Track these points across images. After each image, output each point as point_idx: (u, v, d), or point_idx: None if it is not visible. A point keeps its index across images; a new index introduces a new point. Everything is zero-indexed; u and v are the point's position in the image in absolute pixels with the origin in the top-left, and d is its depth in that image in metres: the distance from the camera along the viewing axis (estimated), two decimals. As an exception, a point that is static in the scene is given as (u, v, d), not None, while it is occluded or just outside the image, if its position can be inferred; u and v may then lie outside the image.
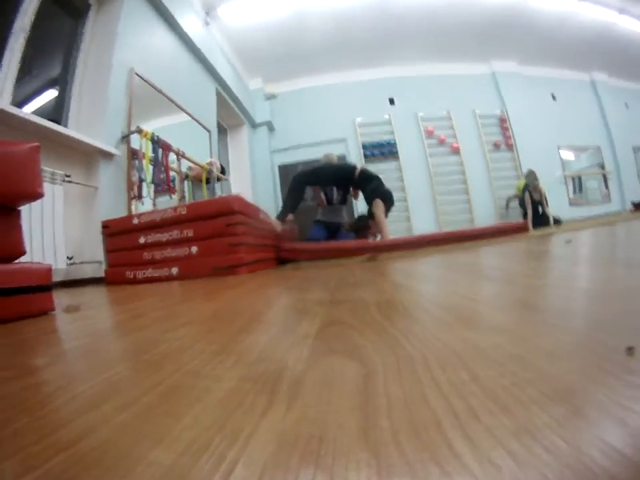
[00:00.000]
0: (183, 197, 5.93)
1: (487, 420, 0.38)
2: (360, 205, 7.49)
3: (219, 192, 6.82)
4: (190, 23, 7.36)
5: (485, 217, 11.03)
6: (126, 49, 5.16)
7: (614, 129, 13.29)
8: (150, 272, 3.83)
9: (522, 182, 10.04)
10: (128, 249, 4.06)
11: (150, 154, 4.93)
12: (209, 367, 0.68)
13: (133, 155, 4.86)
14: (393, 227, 9.65)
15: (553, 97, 13.33)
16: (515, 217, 10.19)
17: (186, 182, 6.21)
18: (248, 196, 5.74)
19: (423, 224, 10.65)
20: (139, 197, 4.78)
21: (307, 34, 10.14)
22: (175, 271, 3.73)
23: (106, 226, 4.14)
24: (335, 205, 6.78)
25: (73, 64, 4.84)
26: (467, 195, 11.38)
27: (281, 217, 6.14)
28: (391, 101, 12.10)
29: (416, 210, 11.11)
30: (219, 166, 6.95)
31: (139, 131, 4.80)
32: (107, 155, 4.54)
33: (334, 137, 11.19)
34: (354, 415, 0.43)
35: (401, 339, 0.73)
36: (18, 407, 0.58)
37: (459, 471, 0.31)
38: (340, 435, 0.39)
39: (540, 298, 1.08)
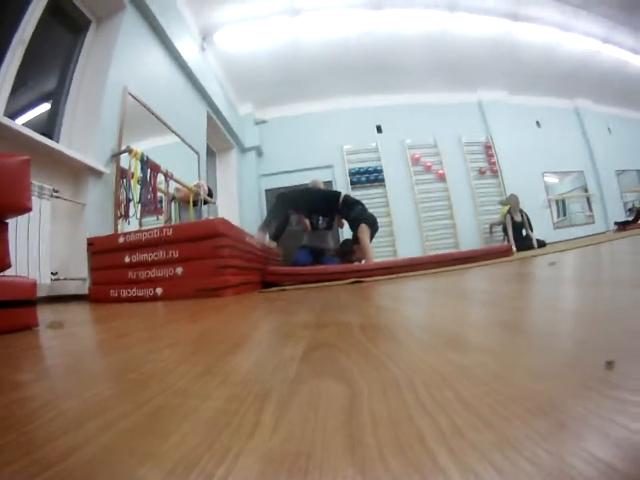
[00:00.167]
0: (169, 218, 5.92)
1: (471, 435, 0.39)
2: (346, 231, 7.51)
3: (205, 214, 6.80)
4: (186, 47, 7.45)
5: (469, 242, 11.11)
6: (121, 68, 5.19)
7: (597, 153, 13.59)
8: (134, 291, 3.81)
9: (505, 208, 10.12)
10: (113, 268, 4.02)
11: (139, 174, 4.92)
12: (195, 387, 0.68)
13: (122, 174, 4.84)
14: (378, 251, 9.75)
15: (538, 124, 13.57)
16: (499, 242, 10.26)
17: (173, 203, 6.21)
18: (234, 219, 5.74)
19: (408, 248, 10.70)
20: (126, 216, 4.76)
21: (298, 62, 10.31)
22: (159, 291, 3.71)
23: (91, 243, 4.11)
24: (320, 230, 6.79)
25: (68, 79, 4.86)
26: (452, 220, 11.52)
27: (262, 228, 6.32)
28: (379, 129, 12.24)
29: (401, 235, 11.19)
30: (206, 188, 6.94)
31: (129, 151, 4.80)
32: (96, 173, 4.53)
33: (321, 163, 11.27)
34: (340, 433, 0.43)
35: (386, 361, 0.74)
36: (3, 423, 0.58)
37: None
38: (326, 452, 0.39)
39: (524, 320, 1.10)
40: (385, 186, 11.62)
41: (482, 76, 12.27)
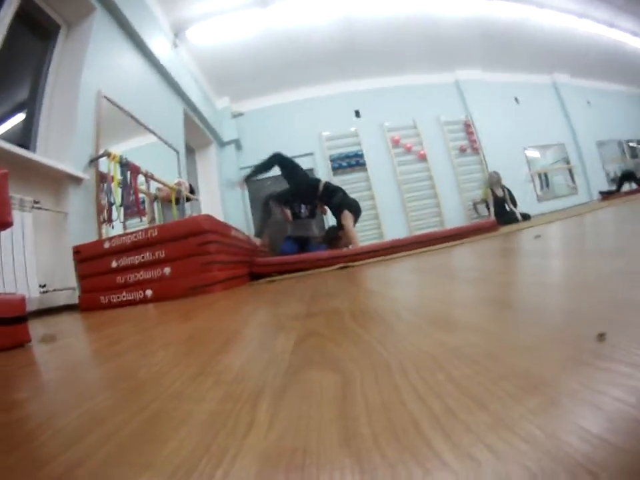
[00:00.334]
0: (153, 219, 5.90)
1: (464, 417, 0.39)
2: (331, 218, 7.54)
3: (189, 212, 6.79)
4: (158, 45, 7.40)
5: (454, 220, 11.17)
6: (94, 72, 5.14)
7: (577, 125, 13.76)
8: (124, 296, 3.78)
9: (486, 186, 10.20)
10: (101, 274, 3.99)
11: (119, 177, 4.89)
12: (189, 389, 0.68)
13: (102, 178, 4.81)
14: (364, 234, 9.79)
15: (516, 100, 13.69)
16: (485, 219, 10.30)
17: (155, 203, 6.18)
18: (218, 214, 5.73)
19: (394, 230, 10.72)
20: (109, 220, 4.74)
21: (272, 52, 10.28)
22: (149, 293, 3.70)
23: (77, 251, 4.07)
24: (303, 219, 6.81)
25: (41, 86, 4.81)
26: (436, 199, 11.61)
27: (258, 234, 6.47)
28: (357, 113, 12.23)
29: (386, 217, 11.24)
30: (187, 186, 6.93)
31: (108, 154, 4.77)
32: (76, 180, 4.50)
33: (301, 151, 11.24)
34: (334, 425, 0.44)
35: (377, 346, 0.74)
36: (4, 444, 0.58)
37: (439, 468, 0.32)
38: (322, 446, 0.40)
39: (512, 295, 1.11)
40: (366, 170, 11.65)
41: (458, 55, 12.30)
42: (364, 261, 4.42)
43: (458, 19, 10.51)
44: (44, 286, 3.91)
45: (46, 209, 4.06)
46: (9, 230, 3.20)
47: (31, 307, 3.21)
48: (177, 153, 7.83)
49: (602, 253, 1.56)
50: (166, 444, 0.47)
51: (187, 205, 6.71)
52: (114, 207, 4.79)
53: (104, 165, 4.91)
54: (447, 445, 0.35)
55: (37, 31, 4.88)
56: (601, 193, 12.50)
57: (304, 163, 7.30)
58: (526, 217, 9.37)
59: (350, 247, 6.27)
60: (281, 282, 3.65)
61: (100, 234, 4.63)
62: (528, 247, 2.61)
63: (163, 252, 3.76)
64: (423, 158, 11.90)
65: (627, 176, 12.67)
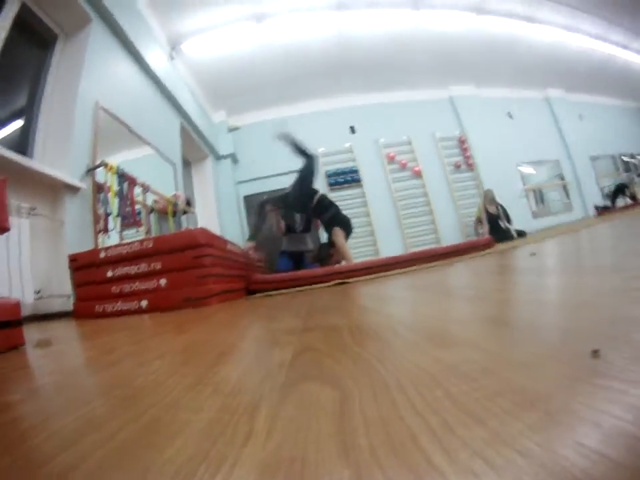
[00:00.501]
0: (149, 230, 5.89)
1: (462, 432, 0.40)
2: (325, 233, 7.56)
3: (185, 224, 6.79)
4: (155, 57, 7.42)
5: (450, 237, 11.13)
6: (92, 82, 5.16)
7: (570, 141, 13.82)
8: (119, 305, 3.77)
9: (480, 204, 10.21)
10: (96, 283, 3.97)
11: (115, 187, 4.90)
12: (186, 398, 0.68)
13: (99, 188, 4.82)
14: (359, 251, 9.79)
15: (510, 116, 13.68)
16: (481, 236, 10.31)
17: (152, 215, 6.18)
18: (214, 227, 5.74)
19: (390, 247, 10.73)
20: (106, 230, 4.73)
21: (267, 67, 10.34)
22: (144, 303, 3.68)
23: (73, 259, 4.06)
24: (298, 233, 6.81)
25: (39, 95, 4.81)
26: (431, 216, 11.58)
27: (251, 237, 6.42)
28: (352, 129, 12.25)
29: (382, 234, 11.22)
30: (184, 198, 6.94)
31: (105, 165, 4.78)
32: (73, 189, 4.50)
33: (297, 166, 11.25)
34: (333, 437, 0.44)
35: (374, 362, 0.74)
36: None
37: None
38: (320, 456, 0.40)
39: (507, 312, 1.11)
40: (362, 186, 11.66)
41: (452, 71, 12.35)
42: (359, 277, 4.41)
43: (451, 34, 10.58)
44: (39, 292, 3.90)
45: (43, 216, 4.06)
46: (5, 235, 3.22)
47: (25, 312, 3.19)
48: (174, 165, 7.83)
49: (598, 270, 1.56)
50: (164, 450, 0.47)
51: (183, 217, 6.72)
52: (110, 217, 4.79)
53: (101, 175, 4.91)
54: (445, 458, 0.35)
55: (35, 40, 4.90)
56: (597, 208, 12.54)
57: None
58: (521, 233, 9.39)
59: (343, 262, 6.27)
60: (277, 297, 3.64)
61: (96, 243, 4.63)
62: (524, 265, 2.62)
63: (159, 263, 3.75)
64: (418, 174, 11.90)
65: (619, 189, 12.75)
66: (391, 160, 11.96)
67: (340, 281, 4.12)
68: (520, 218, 11.22)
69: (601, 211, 12.09)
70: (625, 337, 0.62)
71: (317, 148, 11.51)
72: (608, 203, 12.90)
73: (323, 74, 11.26)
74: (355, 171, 11.74)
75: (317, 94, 12.22)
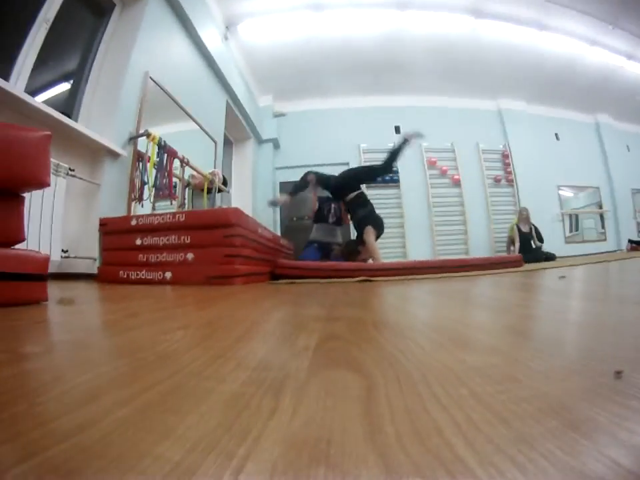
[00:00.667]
0: (183, 204, 5.92)
1: (486, 429, 0.40)
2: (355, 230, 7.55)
3: (219, 203, 6.81)
4: (210, 35, 7.45)
5: (480, 250, 11.02)
6: (143, 53, 5.19)
7: (614, 170, 13.41)
8: (144, 274, 3.81)
9: (513, 222, 10.11)
10: (123, 249, 4.03)
11: (155, 158, 4.93)
12: (209, 369, 0.68)
13: (139, 157, 4.85)
14: (388, 251, 9.74)
15: (557, 137, 13.42)
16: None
17: (187, 189, 6.21)
18: (247, 209, 5.76)
19: (419, 251, 10.68)
20: (140, 199, 4.77)
21: (320, 57, 10.27)
22: (168, 275, 3.71)
23: (104, 224, 4.11)
24: (330, 224, 6.80)
25: (90, 60, 4.87)
26: (464, 227, 11.43)
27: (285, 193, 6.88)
28: (397, 129, 12.14)
29: (412, 237, 11.13)
30: (221, 177, 6.95)
31: (147, 135, 4.81)
32: (113, 154, 4.54)
33: (337, 159, 11.19)
34: (359, 421, 0.44)
35: (399, 355, 0.75)
36: (14, 392, 0.58)
37: (463, 473, 0.33)
38: (347, 438, 0.40)
39: (532, 327, 1.12)
40: (399, 187, 11.55)
41: (503, 84, 12.16)
42: (385, 277, 4.39)
43: (510, 47, 10.37)
44: (66, 251, 3.95)
45: (80, 178, 4.10)
46: (40, 191, 3.25)
47: (50, 270, 3.22)
48: (215, 143, 7.85)
49: (625, 300, 1.57)
50: (186, 417, 0.47)
51: (217, 195, 6.74)
52: (146, 187, 4.82)
53: (142, 144, 4.95)
54: (470, 451, 0.36)
55: (93, 7, 4.96)
56: (630, 242, 12.21)
57: (338, 171, 7.29)
58: (550, 256, 9.27)
59: (370, 261, 6.25)
60: (301, 285, 3.64)
61: (129, 210, 4.66)
62: (552, 286, 2.60)
63: (189, 238, 3.78)
64: (456, 183, 11.77)
65: None
66: (432, 165, 11.85)
67: (365, 278, 4.10)
68: (552, 241, 11.00)
69: (634, 246, 11.87)
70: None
71: (359, 143, 11.51)
72: (643, 238, 12.67)
73: (373, 70, 11.19)
74: (395, 171, 11.58)
75: (366, 90, 12.13)
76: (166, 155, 5.12)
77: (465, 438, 0.38)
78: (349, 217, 6.93)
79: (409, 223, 11.19)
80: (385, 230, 6.72)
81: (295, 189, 6.90)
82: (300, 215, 10.15)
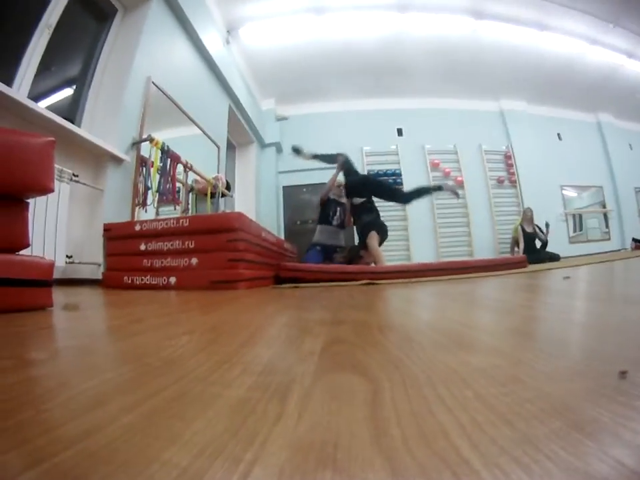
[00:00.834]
0: (186, 209, 5.93)
1: (491, 431, 0.41)
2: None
3: (222, 207, 6.81)
4: (211, 39, 7.48)
5: (484, 251, 11.08)
6: (146, 57, 5.21)
7: (617, 169, 13.45)
8: (148, 279, 3.81)
9: (517, 223, 10.09)
10: (128, 254, 4.04)
11: (158, 163, 4.94)
12: (215, 374, 0.68)
13: (142, 162, 4.86)
14: (392, 254, 9.72)
15: (559, 137, 13.46)
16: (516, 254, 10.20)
17: (191, 194, 6.21)
18: (251, 214, 5.77)
19: (422, 253, 10.68)
20: (144, 204, 4.77)
21: (321, 60, 10.33)
22: (173, 280, 3.72)
23: (108, 229, 4.13)
24: (332, 226, 6.81)
25: (92, 65, 4.90)
26: (467, 228, 11.47)
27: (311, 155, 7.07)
28: (399, 132, 12.19)
29: (416, 239, 11.15)
30: (224, 181, 6.96)
31: (150, 140, 4.82)
32: (116, 160, 4.55)
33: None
34: (365, 424, 0.44)
35: (404, 358, 0.75)
36: (20, 399, 0.58)
37: (468, 475, 0.33)
38: (353, 441, 0.40)
39: (536, 328, 1.12)
40: (402, 189, 11.48)
41: (505, 84, 12.22)
42: (389, 280, 4.39)
43: (510, 46, 10.42)
44: (70, 257, 3.96)
45: (83, 183, 4.11)
46: (45, 197, 3.26)
47: (55, 275, 3.23)
48: (218, 147, 7.87)
49: (630, 300, 1.57)
50: (192, 422, 0.47)
51: (221, 200, 6.73)
52: (150, 192, 4.83)
53: (145, 149, 4.96)
54: (475, 453, 0.36)
55: (95, 12, 4.98)
56: (635, 240, 12.17)
57: (341, 175, 7.32)
58: (555, 257, 9.25)
59: (373, 264, 6.25)
60: (305, 289, 3.64)
61: (133, 216, 4.67)
62: (556, 286, 2.59)
63: (193, 243, 3.78)
64: (460, 184, 11.75)
65: None
66: (435, 167, 11.89)
67: (369, 281, 4.09)
68: (556, 242, 10.99)
69: (639, 244, 11.81)
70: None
71: (362, 146, 11.53)
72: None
73: (375, 73, 11.24)
74: (398, 174, 11.66)
75: (368, 93, 12.18)
76: (169, 159, 5.13)
77: (470, 440, 0.39)
78: (352, 220, 6.93)
79: (413, 225, 11.21)
80: (389, 232, 6.71)
81: (320, 156, 7.03)
82: (303, 219, 10.17)
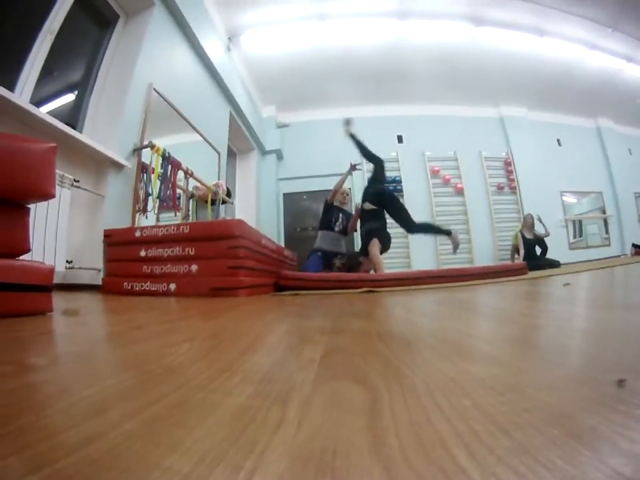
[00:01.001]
0: (187, 216, 5.93)
1: (488, 440, 0.41)
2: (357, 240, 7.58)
3: (222, 214, 6.81)
4: (212, 46, 7.51)
5: (484, 258, 11.07)
6: (147, 64, 5.23)
7: (616, 174, 13.45)
8: (148, 285, 3.81)
9: (517, 230, 10.09)
10: (128, 260, 4.03)
11: (159, 169, 4.95)
12: (216, 382, 0.68)
13: (143, 168, 4.87)
14: (392, 261, 9.70)
15: (559, 142, 13.49)
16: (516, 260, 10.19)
17: (191, 201, 6.21)
18: (251, 221, 5.77)
19: (423, 261, 10.67)
20: (144, 210, 4.78)
21: (322, 67, 10.37)
22: (172, 287, 3.72)
23: (108, 235, 4.13)
24: (334, 232, 6.80)
25: (94, 71, 4.92)
26: (467, 235, 11.44)
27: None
28: (399, 139, 12.20)
29: (416, 247, 11.10)
30: (225, 188, 6.95)
31: (152, 146, 4.83)
32: (117, 166, 4.57)
33: (341, 169, 11.13)
34: (364, 433, 0.45)
35: (403, 367, 0.75)
36: (21, 404, 0.59)
37: None
38: (351, 450, 0.40)
39: (535, 336, 1.12)
40: (402, 196, 11.40)
41: (504, 91, 12.25)
42: (389, 288, 4.39)
43: (509, 52, 10.46)
44: (70, 262, 3.96)
45: (84, 189, 4.11)
46: (45, 202, 3.26)
47: (55, 280, 3.23)
48: (219, 154, 7.89)
49: (630, 306, 1.58)
50: (193, 430, 0.48)
51: (221, 207, 6.73)
52: (150, 198, 4.83)
53: (146, 155, 4.97)
54: (472, 462, 0.36)
55: (97, 18, 5.02)
56: (634, 246, 12.13)
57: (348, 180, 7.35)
58: (555, 263, 9.24)
59: (371, 272, 6.24)
60: (305, 296, 3.64)
61: (133, 222, 4.68)
62: (556, 293, 2.60)
63: (193, 249, 3.78)
64: (460, 191, 11.80)
65: None
66: (435, 174, 11.90)
67: (369, 289, 4.09)
68: (556, 248, 11.00)
69: (638, 250, 11.79)
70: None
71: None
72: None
73: (375, 80, 11.27)
74: (398, 181, 11.65)
75: (369, 100, 12.20)
76: (170, 166, 5.14)
77: (467, 449, 0.39)
78: (358, 223, 6.93)
79: (413, 232, 11.15)
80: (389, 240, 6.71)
81: (359, 143, 7.43)
82: (303, 226, 10.18)
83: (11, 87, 3.64)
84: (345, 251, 6.99)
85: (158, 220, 5.09)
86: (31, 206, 2.05)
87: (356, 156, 7.96)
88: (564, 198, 12.96)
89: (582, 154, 13.49)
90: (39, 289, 1.82)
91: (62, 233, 3.76)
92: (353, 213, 7.03)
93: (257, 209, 10.84)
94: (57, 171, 3.45)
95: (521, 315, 1.56)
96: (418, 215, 10.57)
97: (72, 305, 2.46)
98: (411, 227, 6.69)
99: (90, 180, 4.33)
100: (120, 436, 0.46)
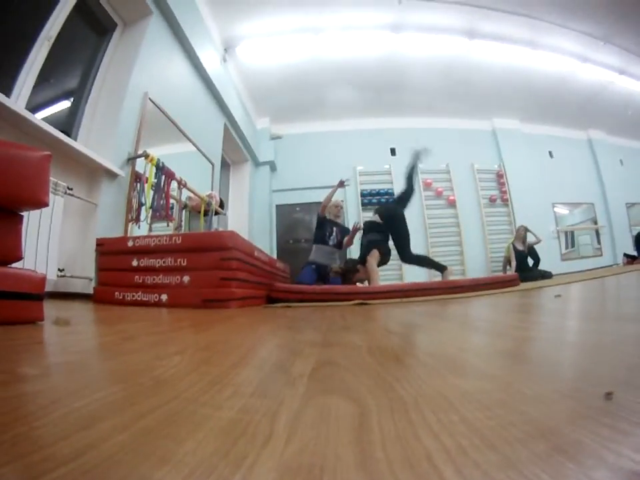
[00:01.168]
0: (179, 226, 5.92)
1: (475, 455, 0.41)
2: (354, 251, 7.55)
3: (215, 225, 6.80)
4: (208, 57, 7.54)
5: (477, 270, 11.09)
6: (143, 73, 5.25)
7: (608, 185, 13.56)
8: (139, 295, 3.79)
9: (510, 242, 10.11)
10: (120, 270, 4.02)
11: (153, 179, 4.95)
12: (206, 396, 0.69)
13: (136, 178, 4.87)
14: (384, 274, 9.64)
15: (551, 154, 13.58)
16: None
17: (184, 211, 6.21)
18: (244, 232, 5.76)
19: (415, 273, 10.61)
20: (137, 220, 4.77)
21: (317, 80, 10.44)
22: (164, 297, 3.70)
23: (101, 244, 4.12)
24: (329, 246, 6.78)
25: (90, 79, 4.93)
26: (460, 247, 11.51)
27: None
28: (392, 151, 12.22)
29: (408, 260, 11.04)
30: (218, 199, 6.95)
31: (146, 156, 4.83)
32: (111, 174, 4.56)
33: (334, 182, 11.17)
34: (351, 448, 0.45)
35: (393, 382, 0.76)
36: (14, 413, 0.59)
37: None
38: (339, 464, 0.41)
39: (525, 349, 1.13)
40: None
41: (497, 103, 12.35)
42: (382, 300, 4.38)
43: (502, 66, 10.55)
44: (62, 270, 3.95)
45: (77, 197, 4.10)
46: (38, 210, 3.26)
47: (46, 288, 3.22)
48: (213, 165, 7.89)
49: (620, 318, 1.60)
50: (183, 443, 0.48)
51: (214, 218, 6.72)
52: (143, 208, 4.82)
53: (140, 165, 4.96)
54: (458, 477, 0.37)
55: (95, 26, 5.03)
56: (626, 255, 12.13)
57: (335, 195, 7.31)
58: (547, 274, 9.25)
59: (365, 282, 6.24)
60: (297, 309, 3.63)
61: (126, 231, 4.67)
62: (547, 305, 2.61)
63: (185, 260, 3.78)
64: (452, 204, 11.86)
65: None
66: (428, 186, 11.94)
67: (361, 301, 4.09)
68: (549, 259, 11.08)
69: (630, 260, 11.82)
70: (638, 382, 0.65)
71: (356, 166, 11.55)
72: (636, 252, 12.58)
73: (369, 93, 11.34)
74: (391, 194, 11.61)
75: (361, 112, 12.28)
76: (164, 176, 5.13)
77: (453, 464, 0.39)
78: (352, 240, 6.94)
79: (405, 244, 11.14)
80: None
81: (414, 169, 7.60)
82: (296, 238, 10.18)
83: (7, 92, 3.65)
84: (337, 265, 6.97)
85: (150, 230, 5.09)
86: (24, 213, 2.05)
87: (347, 173, 7.92)
88: (556, 209, 13.01)
89: (574, 165, 13.58)
90: (30, 298, 1.81)
91: (54, 240, 3.73)
92: (347, 225, 7.01)
93: (249, 220, 10.82)
94: (51, 178, 3.47)
95: (513, 328, 1.56)
96: (410, 228, 10.63)
97: (63, 314, 2.44)
98: (406, 256, 6.67)
99: (83, 188, 4.33)
100: (112, 448, 0.46)
